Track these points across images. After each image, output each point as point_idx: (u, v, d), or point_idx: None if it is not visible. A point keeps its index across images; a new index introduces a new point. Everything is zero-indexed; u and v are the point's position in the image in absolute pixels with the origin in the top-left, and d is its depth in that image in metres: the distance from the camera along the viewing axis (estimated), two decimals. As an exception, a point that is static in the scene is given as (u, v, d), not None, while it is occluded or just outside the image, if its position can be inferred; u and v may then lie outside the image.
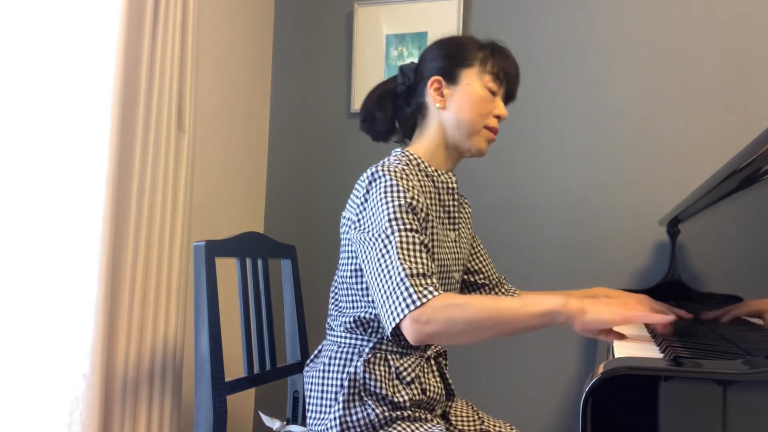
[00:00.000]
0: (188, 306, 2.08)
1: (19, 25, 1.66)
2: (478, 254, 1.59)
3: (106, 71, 1.70)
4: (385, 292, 1.13)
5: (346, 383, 1.28)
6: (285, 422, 1.71)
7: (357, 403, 1.27)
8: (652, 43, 2.17)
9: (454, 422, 1.43)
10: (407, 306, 1.09)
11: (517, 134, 2.30)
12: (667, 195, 2.13)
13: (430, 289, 1.11)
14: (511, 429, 1.48)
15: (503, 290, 1.63)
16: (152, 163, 1.84)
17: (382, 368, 1.29)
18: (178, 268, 1.90)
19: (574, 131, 2.25)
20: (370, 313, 1.29)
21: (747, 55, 2.07)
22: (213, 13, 2.32)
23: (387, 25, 2.45)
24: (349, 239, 1.30)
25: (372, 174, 1.25)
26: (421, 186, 1.30)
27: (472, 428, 1.44)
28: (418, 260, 1.15)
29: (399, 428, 1.26)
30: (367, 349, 1.30)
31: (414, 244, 1.16)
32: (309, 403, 1.35)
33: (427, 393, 1.33)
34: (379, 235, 1.18)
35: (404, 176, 1.25)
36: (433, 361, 1.38)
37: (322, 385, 1.32)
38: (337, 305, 1.37)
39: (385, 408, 1.27)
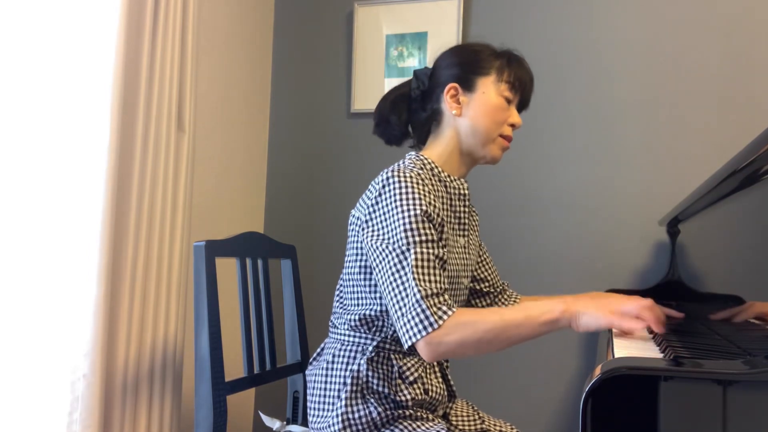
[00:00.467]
0: (188, 306, 2.08)
1: (19, 25, 1.66)
2: (484, 262, 1.59)
3: (106, 71, 1.70)
4: (400, 308, 1.16)
5: (349, 381, 1.28)
6: (285, 422, 1.71)
7: (359, 401, 1.28)
8: (652, 43, 2.17)
9: (454, 422, 1.43)
10: (424, 328, 1.13)
11: (517, 134, 2.30)
12: (667, 195, 2.13)
13: (444, 308, 1.14)
14: (512, 429, 1.48)
15: (506, 296, 1.62)
16: (152, 163, 1.84)
17: (385, 367, 1.30)
18: (178, 268, 1.90)
19: (574, 131, 2.24)
20: (376, 311, 1.29)
21: (747, 54, 2.07)
22: (213, 13, 2.32)
23: (387, 25, 2.45)
24: (357, 238, 1.30)
25: (387, 177, 1.25)
26: (435, 191, 1.30)
27: (472, 428, 1.44)
28: (433, 278, 1.17)
29: (401, 427, 1.26)
30: (370, 348, 1.30)
31: (429, 260, 1.18)
32: (311, 401, 1.35)
33: (430, 393, 1.33)
34: (395, 249, 1.19)
35: (420, 181, 1.25)
36: (435, 363, 1.38)
37: (325, 382, 1.33)
38: (342, 303, 1.37)
39: (387, 406, 1.28)
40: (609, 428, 0.83)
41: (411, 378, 1.30)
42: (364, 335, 1.32)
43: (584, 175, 2.23)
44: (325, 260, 2.52)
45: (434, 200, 1.25)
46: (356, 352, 1.31)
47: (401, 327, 1.16)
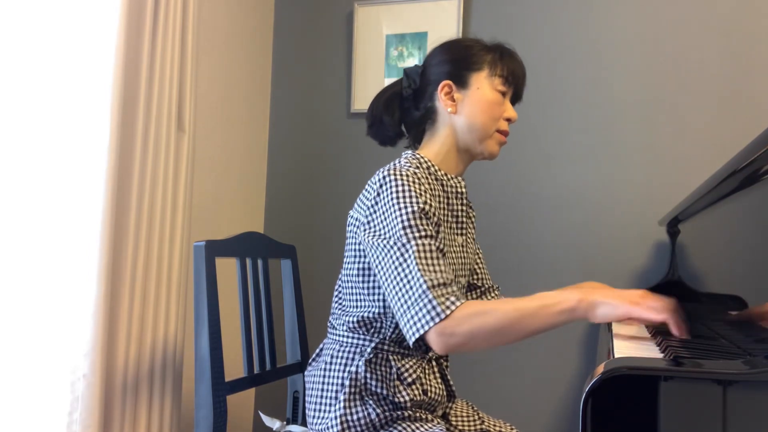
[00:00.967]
0: (188, 306, 2.08)
1: (19, 25, 1.66)
2: (477, 259, 1.59)
3: (106, 71, 1.70)
4: (406, 302, 1.13)
5: (347, 382, 1.28)
6: (285, 422, 1.71)
7: (358, 403, 1.27)
8: (653, 43, 2.17)
9: (454, 422, 1.43)
10: (432, 319, 1.10)
11: (516, 134, 2.30)
12: (667, 195, 2.13)
13: (452, 299, 1.11)
14: (511, 429, 1.48)
15: (493, 296, 1.62)
16: (152, 163, 1.84)
17: (383, 368, 1.29)
18: (178, 268, 1.90)
19: (574, 131, 2.25)
20: (374, 313, 1.29)
21: (747, 55, 2.07)
22: (213, 13, 2.32)
23: (387, 25, 2.45)
24: (356, 239, 1.30)
25: (384, 177, 1.24)
26: (431, 190, 1.30)
27: (472, 428, 1.44)
28: (437, 269, 1.15)
29: (400, 428, 1.26)
30: (368, 349, 1.30)
31: (431, 251, 1.16)
32: (309, 402, 1.35)
33: (428, 394, 1.33)
34: (395, 243, 1.17)
35: (416, 179, 1.24)
36: (434, 363, 1.38)
37: (323, 383, 1.32)
38: (341, 304, 1.37)
39: (386, 408, 1.27)
40: (609, 428, 0.83)
41: (409, 379, 1.30)
42: (362, 336, 1.31)
43: (584, 175, 2.23)
44: (325, 260, 2.52)
45: (431, 199, 1.25)
46: (354, 353, 1.31)
47: (407, 321, 1.13)
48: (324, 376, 1.33)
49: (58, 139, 1.70)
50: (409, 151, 1.38)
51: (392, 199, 1.21)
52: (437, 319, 1.10)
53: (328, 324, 1.40)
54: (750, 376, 0.79)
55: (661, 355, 0.98)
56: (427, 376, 1.34)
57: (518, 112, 2.28)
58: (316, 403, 1.33)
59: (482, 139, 1.36)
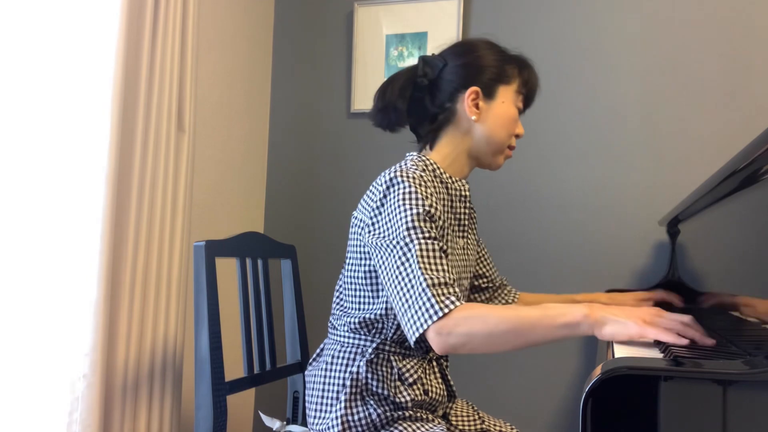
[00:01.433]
0: (188, 306, 2.08)
1: (19, 25, 1.66)
2: (483, 258, 1.59)
3: (106, 71, 1.70)
4: (406, 300, 1.12)
5: (348, 383, 1.28)
6: (285, 422, 1.71)
7: (359, 403, 1.27)
8: (652, 43, 2.17)
9: (454, 422, 1.43)
10: (430, 317, 1.09)
11: (517, 134, 2.29)
12: (667, 195, 2.13)
13: (452, 299, 1.10)
14: (512, 429, 1.48)
15: (505, 293, 1.63)
16: (152, 163, 1.84)
17: (384, 369, 1.29)
18: (178, 268, 1.90)
19: (574, 131, 2.24)
20: (377, 315, 1.29)
21: (747, 55, 2.07)
22: (213, 13, 2.32)
23: (387, 25, 2.45)
24: (360, 241, 1.29)
25: (390, 179, 1.23)
26: (437, 193, 1.29)
27: (472, 428, 1.44)
28: (439, 268, 1.14)
29: (400, 428, 1.26)
30: (370, 350, 1.30)
31: (434, 251, 1.15)
32: (310, 402, 1.35)
33: (429, 394, 1.33)
34: (398, 243, 1.16)
35: (422, 183, 1.23)
36: (434, 363, 1.38)
37: (324, 384, 1.32)
38: (342, 305, 1.36)
39: (387, 408, 1.27)
40: (609, 428, 0.83)
41: (411, 379, 1.30)
42: (363, 337, 1.31)
43: (584, 175, 2.23)
44: (325, 260, 2.52)
45: (436, 203, 1.24)
46: (356, 353, 1.31)
47: (407, 320, 1.12)
48: (325, 377, 1.33)
49: (58, 139, 1.70)
50: (414, 153, 1.37)
51: (398, 201, 1.20)
52: (435, 318, 1.08)
53: (329, 324, 1.40)
54: (750, 376, 0.79)
55: (661, 355, 0.98)
56: (428, 377, 1.34)
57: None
58: (316, 403, 1.33)
59: (496, 152, 1.37)
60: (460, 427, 1.43)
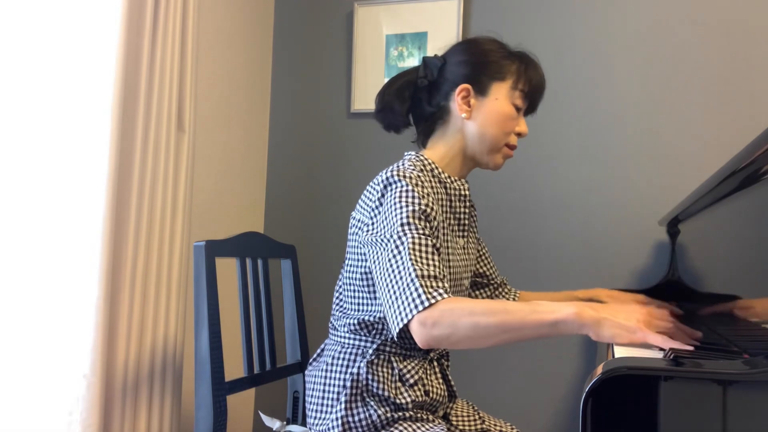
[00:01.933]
0: (188, 306, 2.08)
1: (19, 26, 1.66)
2: (483, 257, 1.58)
3: (106, 71, 1.70)
4: (394, 292, 1.10)
5: (348, 384, 1.28)
6: (285, 422, 1.71)
7: (359, 404, 1.27)
8: (653, 43, 2.17)
9: (454, 422, 1.43)
10: (415, 307, 1.06)
11: (517, 134, 2.29)
12: (667, 195, 2.13)
13: (440, 291, 1.08)
14: (512, 428, 1.48)
15: (505, 291, 1.62)
16: (152, 163, 1.84)
17: (385, 370, 1.29)
18: (178, 268, 1.90)
19: (574, 131, 2.25)
20: (376, 317, 1.28)
21: (747, 55, 2.07)
22: (213, 13, 2.32)
23: (387, 25, 2.45)
24: (359, 241, 1.29)
25: (387, 178, 1.23)
26: (434, 193, 1.28)
27: (472, 428, 1.44)
28: (430, 262, 1.12)
29: (401, 428, 1.26)
30: (370, 351, 1.29)
31: (426, 246, 1.14)
32: (310, 403, 1.35)
33: (430, 395, 1.33)
34: (391, 236, 1.15)
35: (419, 182, 1.23)
36: (435, 363, 1.38)
37: (324, 385, 1.32)
38: (341, 307, 1.36)
39: (387, 409, 1.27)
40: (609, 428, 0.83)
41: (411, 380, 1.29)
42: (364, 338, 1.31)
43: (584, 175, 2.23)
44: (325, 260, 2.52)
45: (433, 203, 1.23)
46: (356, 354, 1.31)
47: (393, 311, 1.09)
48: (325, 377, 1.32)
49: (58, 139, 1.70)
50: (412, 153, 1.37)
51: (395, 199, 1.20)
52: (420, 307, 1.06)
53: (329, 325, 1.40)
54: (750, 376, 0.79)
55: (661, 355, 0.98)
56: (428, 377, 1.34)
57: (518, 112, 2.28)
58: (317, 404, 1.33)
59: (490, 151, 1.34)
60: (461, 427, 1.43)
